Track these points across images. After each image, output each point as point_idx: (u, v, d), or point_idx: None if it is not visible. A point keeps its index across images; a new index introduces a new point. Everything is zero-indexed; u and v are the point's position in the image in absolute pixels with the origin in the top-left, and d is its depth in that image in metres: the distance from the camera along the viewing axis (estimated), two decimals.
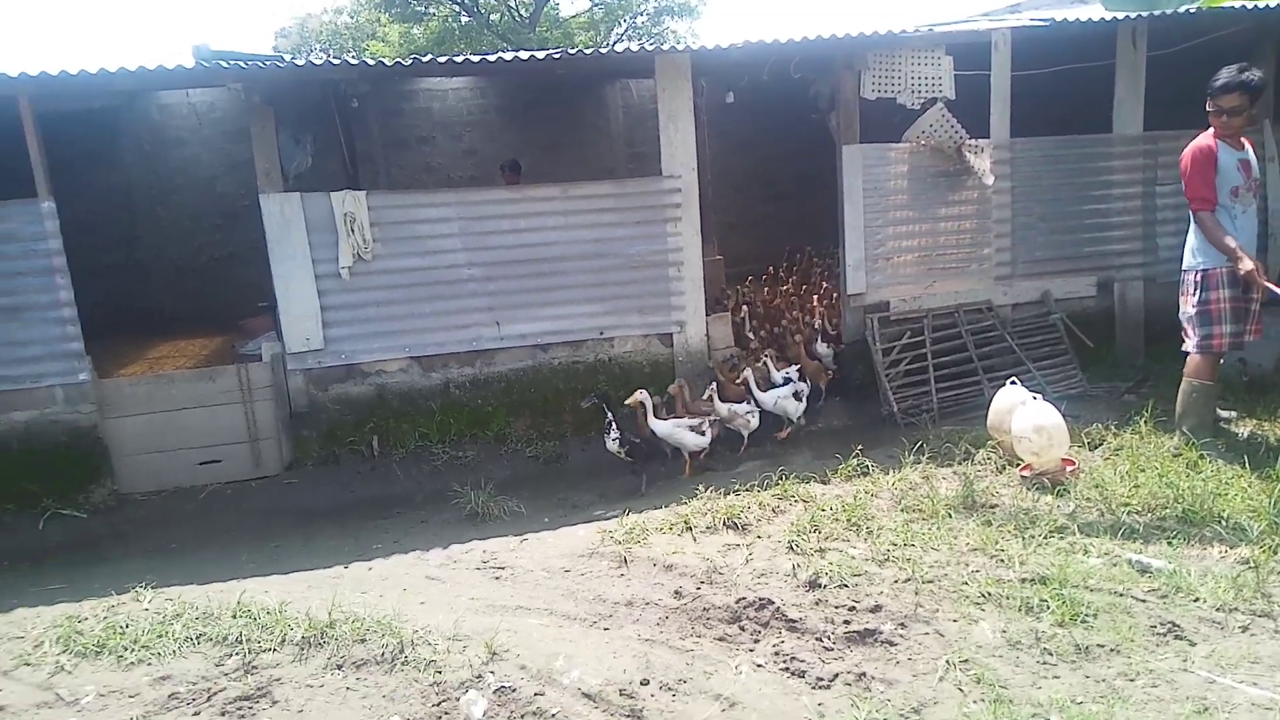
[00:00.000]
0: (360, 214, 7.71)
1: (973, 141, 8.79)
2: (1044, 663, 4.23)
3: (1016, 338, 8.98)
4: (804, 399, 8.37)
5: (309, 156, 8.25)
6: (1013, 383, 7.02)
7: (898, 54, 8.53)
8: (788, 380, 8.41)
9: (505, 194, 8.52)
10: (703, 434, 7.72)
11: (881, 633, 4.56)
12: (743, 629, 4.78)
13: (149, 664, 4.70)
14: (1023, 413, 6.47)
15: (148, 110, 12.28)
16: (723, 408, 7.88)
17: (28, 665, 4.81)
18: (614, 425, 7.53)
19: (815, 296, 10.84)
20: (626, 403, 7.62)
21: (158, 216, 12.56)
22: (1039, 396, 6.62)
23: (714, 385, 7.99)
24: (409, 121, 13.27)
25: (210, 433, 7.70)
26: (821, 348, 9.24)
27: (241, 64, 7.27)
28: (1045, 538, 5.43)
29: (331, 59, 7.21)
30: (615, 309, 8.51)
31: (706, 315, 8.74)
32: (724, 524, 6.10)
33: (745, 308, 10.27)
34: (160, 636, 4.91)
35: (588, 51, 8.26)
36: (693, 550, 5.78)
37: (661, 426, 7.63)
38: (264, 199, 7.61)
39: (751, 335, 9.72)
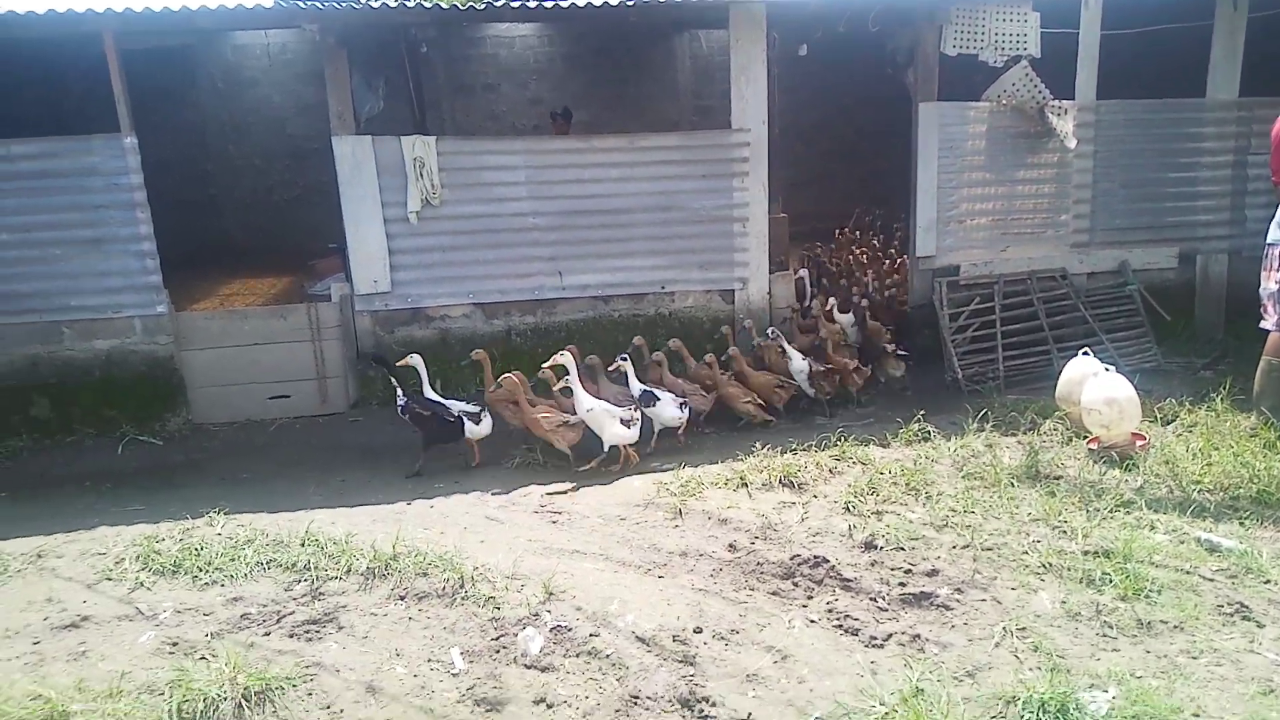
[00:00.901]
0: (429, 159, 7.77)
1: (1056, 102, 8.47)
2: (1104, 635, 4.18)
3: (1090, 308, 8.74)
4: (686, 411, 7.11)
5: (380, 100, 8.31)
6: (1085, 353, 6.85)
7: (983, 8, 8.23)
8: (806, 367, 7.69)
9: (572, 143, 8.50)
10: (628, 426, 6.67)
11: (937, 596, 4.55)
12: (796, 585, 4.81)
13: (222, 585, 4.91)
14: (1094, 384, 6.32)
15: (223, 50, 12.47)
16: (588, 401, 6.64)
17: (109, 580, 5.05)
18: (399, 391, 6.90)
19: (887, 261, 10.65)
20: (545, 367, 6.85)
21: (230, 155, 12.83)
22: (1111, 368, 6.45)
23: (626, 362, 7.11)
24: (475, 68, 13.26)
25: (280, 369, 7.92)
26: (844, 318, 8.79)
27: (318, 5, 7.32)
28: (1111, 511, 5.34)
29: (406, 2, 7.20)
30: (677, 263, 8.48)
31: (770, 273, 8.65)
32: (780, 482, 6.10)
33: (805, 269, 10.13)
34: (233, 560, 5.12)
35: None
36: (748, 506, 5.81)
37: (585, 402, 6.60)
38: (336, 141, 7.70)
39: (814, 293, 9.59)
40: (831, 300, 8.85)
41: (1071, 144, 8.55)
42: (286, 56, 12.58)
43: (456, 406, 6.91)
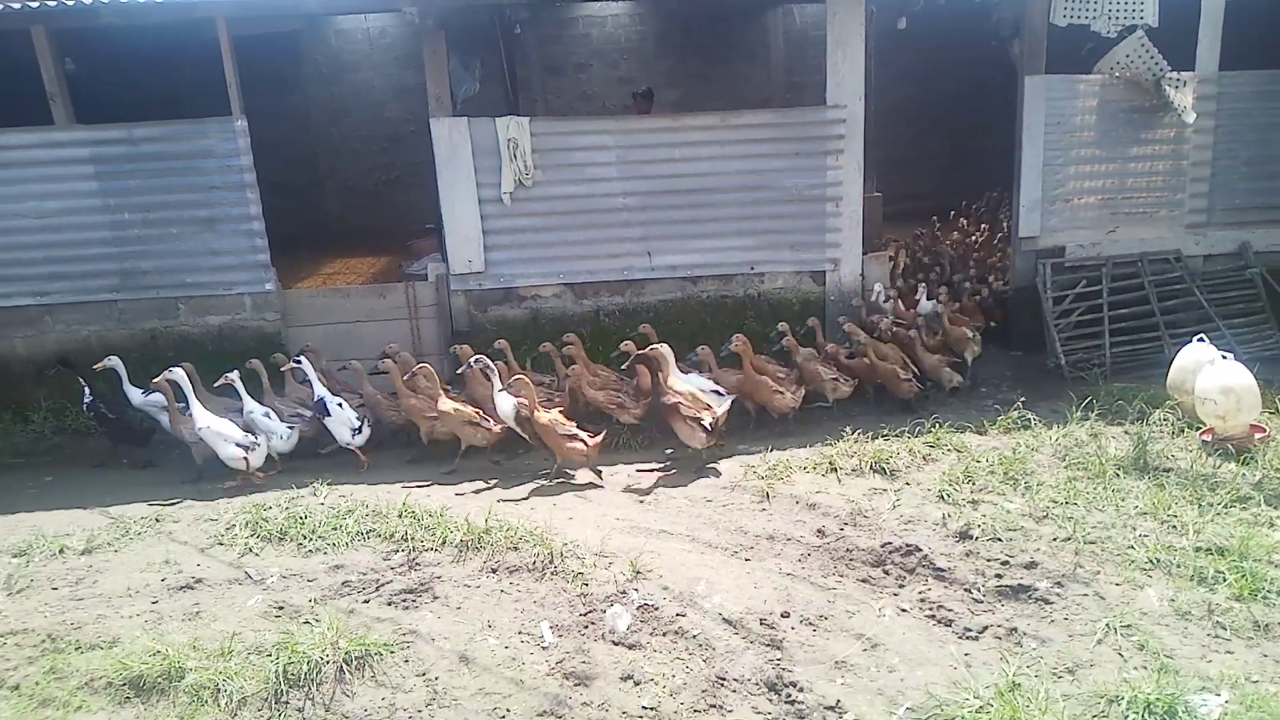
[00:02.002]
0: (523, 140, 7.85)
1: (1174, 74, 8.00)
2: (1216, 636, 3.99)
3: (1206, 292, 8.28)
4: (365, 427, 6.80)
5: (477, 82, 8.43)
6: (1200, 340, 6.51)
7: None
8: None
9: (664, 123, 8.45)
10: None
11: (1036, 590, 4.41)
12: (887, 573, 4.74)
13: (324, 553, 5.13)
14: (1209, 373, 6.01)
15: (325, 35, 12.84)
16: (202, 419, 6.42)
17: (221, 545, 5.33)
18: (87, 391, 6.93)
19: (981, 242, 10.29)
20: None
21: (331, 138, 13.24)
22: (1228, 356, 6.11)
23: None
24: (567, 48, 13.31)
25: (379, 345, 8.12)
26: (927, 305, 8.35)
27: None
28: (1225, 507, 5.07)
29: None
30: (767, 244, 8.37)
31: (863, 254, 8.46)
32: (870, 468, 6.01)
33: (899, 251, 9.87)
34: (335, 529, 5.33)
35: None
36: (837, 491, 5.73)
37: (200, 420, 6.42)
38: (434, 123, 7.86)
39: (904, 279, 9.35)
40: (921, 288, 8.62)
41: (1190, 118, 8.07)
42: (386, 40, 12.88)
43: (346, 414, 6.75)
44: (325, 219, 13.01)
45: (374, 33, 12.86)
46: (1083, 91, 8.16)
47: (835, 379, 7.28)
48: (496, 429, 6.54)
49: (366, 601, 4.59)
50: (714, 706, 3.77)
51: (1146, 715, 3.44)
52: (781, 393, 6.98)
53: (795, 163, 8.16)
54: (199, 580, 4.89)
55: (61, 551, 5.32)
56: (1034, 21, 7.99)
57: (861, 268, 8.45)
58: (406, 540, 5.16)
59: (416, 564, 4.92)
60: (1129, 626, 4.06)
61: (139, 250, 7.93)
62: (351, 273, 9.98)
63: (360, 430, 6.76)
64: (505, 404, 6.39)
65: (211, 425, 6.40)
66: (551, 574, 4.75)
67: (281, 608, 4.55)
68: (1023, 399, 6.88)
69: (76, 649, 4.24)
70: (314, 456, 7.05)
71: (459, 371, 7.02)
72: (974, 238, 10.69)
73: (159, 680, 3.95)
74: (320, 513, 5.59)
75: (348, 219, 13.04)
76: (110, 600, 4.71)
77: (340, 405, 6.77)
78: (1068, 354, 7.97)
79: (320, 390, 6.79)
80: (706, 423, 6.21)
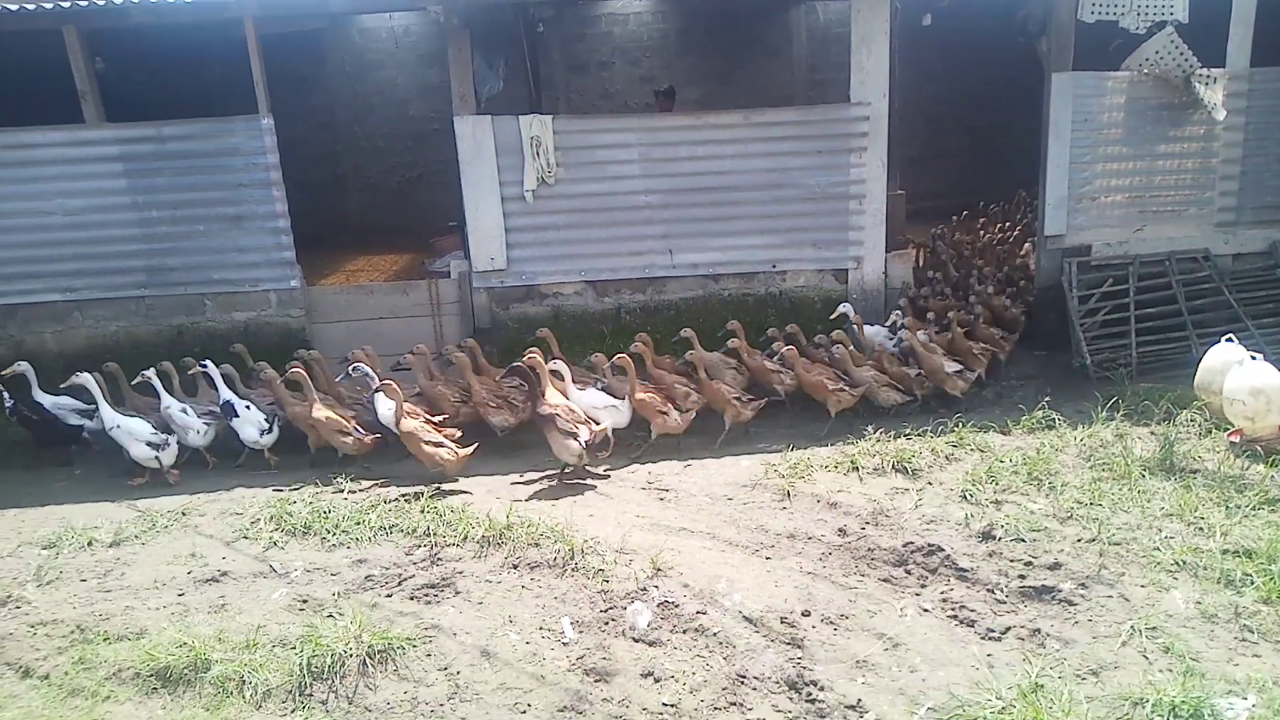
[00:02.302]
0: (546, 138, 7.87)
1: (1204, 71, 7.89)
2: (1243, 639, 3.95)
3: (1235, 291, 8.15)
4: (274, 427, 6.79)
5: (500, 80, 8.46)
6: (1228, 340, 6.42)
7: None
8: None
9: (686, 120, 8.44)
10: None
11: (1060, 591, 4.38)
12: (909, 573, 4.72)
13: (348, 547, 5.18)
14: (1238, 373, 5.93)
15: (350, 34, 12.94)
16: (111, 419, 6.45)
17: (246, 539, 5.40)
18: (5, 395, 6.91)
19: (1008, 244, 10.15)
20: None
21: (355, 136, 13.34)
22: (1258, 356, 6.03)
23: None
24: (590, 46, 13.33)
25: (402, 342, 8.16)
26: (878, 331, 7.88)
27: None
28: (1254, 509, 5.01)
29: None
30: (789, 241, 8.34)
31: (886, 252, 8.41)
32: (893, 467, 5.98)
33: (920, 249, 9.77)
34: (358, 524, 5.38)
35: None
36: (858, 490, 5.71)
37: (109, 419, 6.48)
38: (458, 121, 7.89)
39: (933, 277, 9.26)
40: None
41: (1220, 115, 7.95)
42: (410, 39, 12.96)
43: (254, 415, 6.75)
44: (348, 216, 13.10)
45: (398, 31, 12.94)
46: (1111, 88, 8.07)
47: (779, 372, 7.18)
48: (368, 439, 6.52)
49: (389, 596, 4.63)
50: (734, 704, 3.77)
51: (1171, 718, 3.40)
52: (665, 412, 6.65)
53: (818, 160, 8.12)
54: (224, 573, 4.95)
55: (90, 544, 5.41)
56: (1062, 17, 7.90)
57: (885, 266, 8.40)
58: (428, 535, 5.20)
59: (438, 559, 4.95)
60: (1154, 629, 4.02)
61: (166, 247, 8.02)
62: (374, 270, 10.05)
63: (270, 430, 6.76)
64: (383, 407, 6.42)
65: (121, 425, 6.48)
66: (572, 570, 4.77)
67: (305, 601, 4.60)
68: (1047, 399, 6.81)
69: (105, 640, 4.31)
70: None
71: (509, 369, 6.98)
72: (986, 236, 10.57)
73: (185, 671, 4.01)
74: (344, 507, 5.64)
75: (371, 217, 13.13)
76: (137, 592, 4.79)
77: (248, 407, 6.80)
78: (1093, 353, 7.88)
79: (226, 393, 6.81)
80: (583, 438, 6.06)
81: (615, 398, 6.78)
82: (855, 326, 7.72)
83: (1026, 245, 9.92)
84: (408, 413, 6.26)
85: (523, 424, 6.89)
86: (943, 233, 10.66)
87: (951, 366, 7.27)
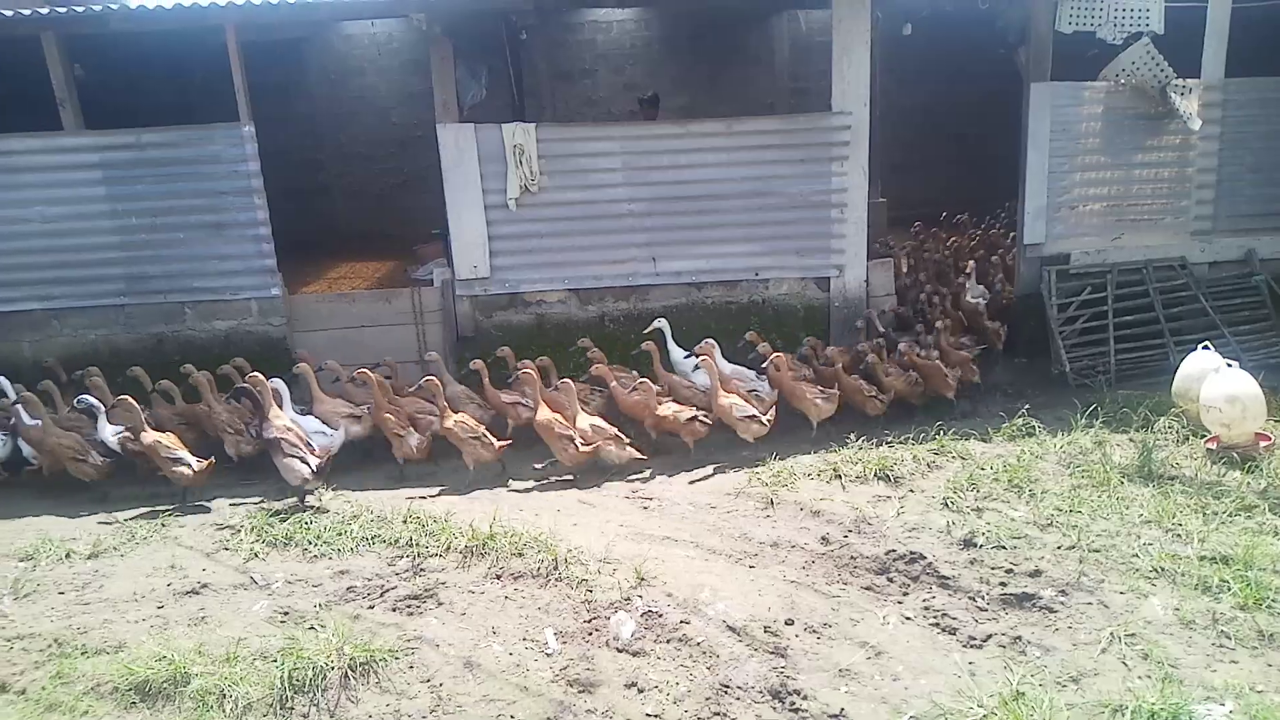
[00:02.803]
0: (529, 146, 7.88)
1: (1180, 81, 8.01)
2: (1220, 645, 3.99)
3: (1212, 299, 8.27)
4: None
5: (484, 88, 8.46)
6: (1205, 347, 6.51)
7: None
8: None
9: (669, 129, 8.47)
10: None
11: (1040, 598, 4.41)
12: (891, 580, 4.74)
13: (330, 558, 5.15)
14: (1214, 380, 6.00)
15: (332, 41, 12.89)
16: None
17: (227, 550, 5.35)
18: None
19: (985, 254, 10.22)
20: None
21: (339, 143, 13.29)
22: (1234, 364, 6.10)
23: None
24: (573, 54, 13.34)
25: (384, 350, 8.13)
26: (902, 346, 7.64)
27: None
28: (1230, 515, 5.06)
29: None
30: (772, 250, 8.38)
31: (868, 260, 8.47)
32: (875, 475, 6.01)
33: (901, 256, 9.84)
34: (340, 534, 5.35)
35: None
36: (841, 498, 5.73)
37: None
38: (440, 129, 7.88)
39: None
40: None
41: (1195, 125, 8.07)
42: (393, 46, 12.93)
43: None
44: (331, 224, 13.03)
45: (380, 38, 12.91)
46: (1088, 98, 8.17)
47: (517, 404, 7.04)
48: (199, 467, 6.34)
49: (371, 607, 4.60)
50: (718, 714, 3.77)
51: None
52: (402, 435, 6.64)
53: (800, 169, 8.17)
54: (205, 585, 4.91)
55: (68, 556, 5.35)
56: (1040, 28, 8.00)
57: (866, 274, 8.46)
58: (411, 546, 5.17)
59: (421, 570, 4.93)
60: (1133, 635, 4.05)
61: (146, 255, 7.96)
62: (357, 277, 10.00)
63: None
64: (106, 431, 6.48)
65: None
66: (556, 580, 4.76)
67: (287, 613, 4.57)
68: (1027, 406, 6.87)
69: (83, 654, 4.26)
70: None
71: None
72: (954, 243, 10.64)
73: (165, 685, 3.96)
74: (326, 518, 5.61)
75: (354, 223, 13.07)
76: (116, 605, 4.73)
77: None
78: (1072, 361, 7.96)
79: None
80: (313, 463, 6.00)
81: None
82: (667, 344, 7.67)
83: (994, 258, 9.98)
84: (151, 427, 6.40)
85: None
86: (916, 243, 10.73)
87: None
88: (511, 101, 10.78)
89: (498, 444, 6.51)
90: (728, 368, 7.32)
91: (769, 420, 6.73)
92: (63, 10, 7.19)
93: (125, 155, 7.76)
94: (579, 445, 6.35)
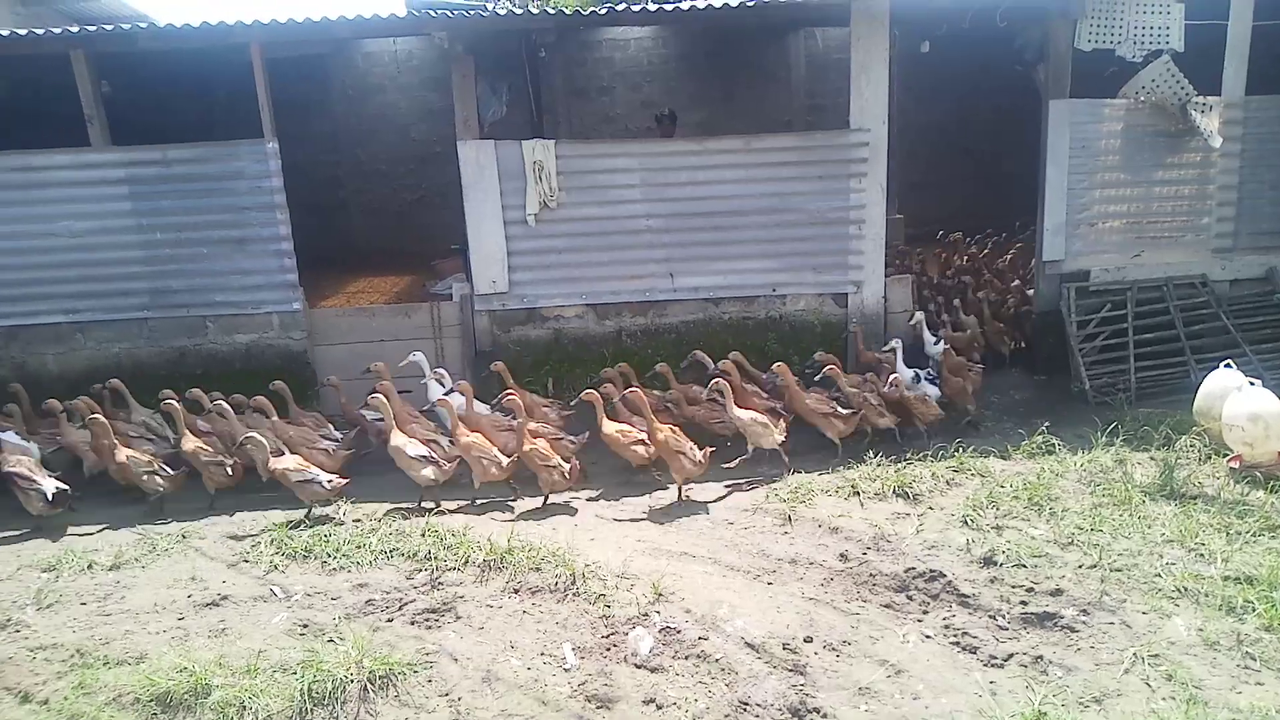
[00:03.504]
0: (548, 162, 7.94)
1: (1200, 99, 7.98)
2: (1245, 667, 3.94)
3: (1233, 317, 8.20)
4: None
5: (504, 105, 8.53)
6: (1227, 365, 6.45)
7: (1121, 1, 7.84)
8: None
9: (687, 145, 8.51)
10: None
11: (1062, 617, 4.37)
12: (910, 599, 4.71)
13: (349, 571, 5.17)
14: (1237, 399, 5.95)
15: (353, 58, 13.06)
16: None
17: (247, 562, 5.39)
18: None
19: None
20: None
21: (358, 159, 13.44)
22: (1256, 382, 6.06)
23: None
24: (591, 71, 13.45)
25: (404, 366, 8.21)
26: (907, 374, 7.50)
27: (447, 14, 7.58)
28: (1254, 535, 5.01)
29: (531, 8, 7.37)
30: (790, 266, 8.39)
31: (885, 276, 8.46)
32: (894, 492, 5.99)
33: (913, 274, 9.79)
34: (359, 547, 5.38)
35: None
36: (859, 515, 5.71)
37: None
38: (461, 145, 7.96)
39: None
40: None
41: (1216, 143, 8.04)
42: (413, 63, 13.08)
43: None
44: (351, 239, 13.17)
45: (401, 55, 13.06)
46: (1108, 115, 8.16)
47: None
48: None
49: (390, 620, 4.62)
50: None
51: None
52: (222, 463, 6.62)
53: (818, 185, 8.19)
54: (225, 597, 4.94)
55: (90, 567, 5.40)
56: (1059, 46, 8.00)
57: (884, 290, 8.45)
58: (430, 559, 5.19)
59: (439, 583, 4.95)
60: (1156, 656, 4.01)
61: (170, 269, 8.05)
62: (375, 292, 10.08)
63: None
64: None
65: None
66: (574, 595, 4.77)
67: (306, 625, 4.59)
68: (1047, 424, 6.84)
69: (104, 664, 4.29)
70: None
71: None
72: (961, 259, 10.61)
73: (185, 697, 3.98)
74: (344, 531, 5.64)
75: (373, 239, 13.21)
76: (137, 616, 4.77)
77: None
78: (1092, 378, 7.91)
79: None
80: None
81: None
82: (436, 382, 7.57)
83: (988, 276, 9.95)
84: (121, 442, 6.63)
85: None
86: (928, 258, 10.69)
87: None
88: (530, 118, 10.86)
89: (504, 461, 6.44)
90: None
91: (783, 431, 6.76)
92: (92, 29, 7.30)
93: (151, 171, 7.87)
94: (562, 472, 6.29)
